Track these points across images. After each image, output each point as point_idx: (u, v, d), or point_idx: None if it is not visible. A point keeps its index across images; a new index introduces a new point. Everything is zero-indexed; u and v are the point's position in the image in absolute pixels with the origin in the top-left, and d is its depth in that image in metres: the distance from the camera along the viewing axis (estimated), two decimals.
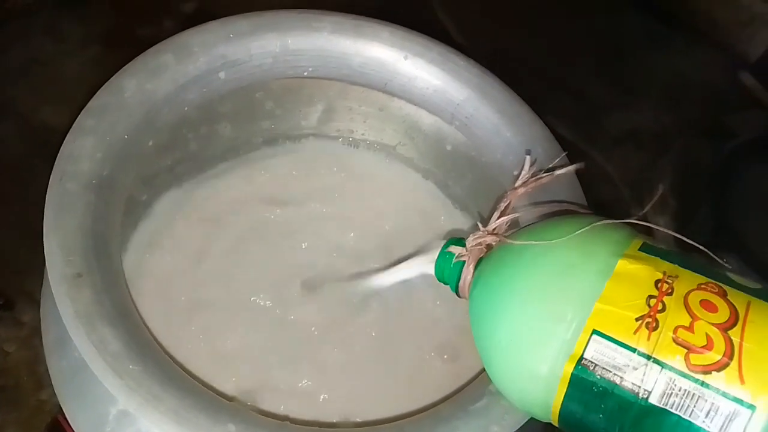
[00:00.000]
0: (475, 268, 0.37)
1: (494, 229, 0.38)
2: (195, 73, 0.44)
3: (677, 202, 0.60)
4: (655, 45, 0.70)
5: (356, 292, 0.45)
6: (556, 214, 0.40)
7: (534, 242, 0.33)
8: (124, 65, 0.42)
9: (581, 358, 0.30)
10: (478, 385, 0.37)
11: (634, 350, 0.29)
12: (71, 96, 0.48)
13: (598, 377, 0.30)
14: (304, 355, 0.42)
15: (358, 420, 0.40)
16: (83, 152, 0.38)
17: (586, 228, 0.33)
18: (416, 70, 0.47)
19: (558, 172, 0.39)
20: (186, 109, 0.44)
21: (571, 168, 0.39)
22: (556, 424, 0.34)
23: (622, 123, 0.67)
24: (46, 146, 0.59)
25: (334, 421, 0.39)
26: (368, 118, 0.51)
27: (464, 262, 0.37)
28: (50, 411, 0.49)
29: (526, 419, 0.35)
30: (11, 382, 0.50)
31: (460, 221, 0.51)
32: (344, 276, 0.46)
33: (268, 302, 0.44)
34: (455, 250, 0.38)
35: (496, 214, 0.38)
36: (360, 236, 0.48)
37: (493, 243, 0.37)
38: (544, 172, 0.40)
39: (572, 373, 0.31)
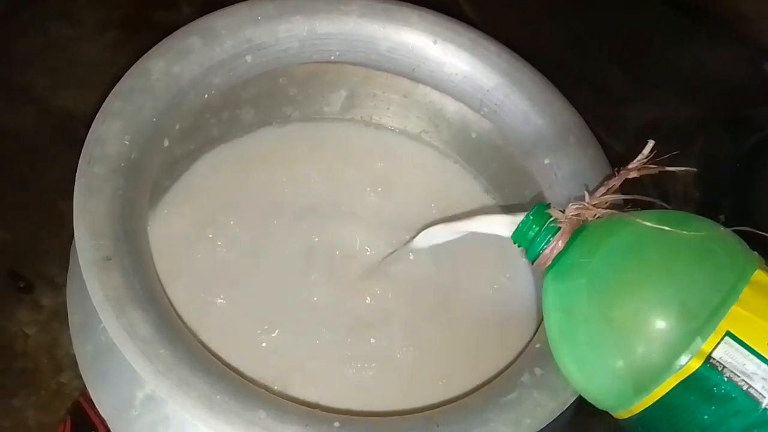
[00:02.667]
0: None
1: (596, 205, 0.36)
2: (221, 56, 0.43)
3: (700, 194, 0.60)
4: (678, 37, 0.70)
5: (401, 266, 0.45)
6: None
7: (671, 228, 0.33)
8: (142, 49, 0.42)
9: (709, 356, 0.30)
10: (509, 376, 0.37)
11: (766, 360, 0.30)
12: (89, 80, 0.48)
13: (725, 379, 0.30)
14: (337, 341, 0.42)
15: (388, 408, 0.39)
16: (111, 135, 0.38)
17: (726, 230, 0.33)
18: (445, 56, 0.46)
19: (670, 168, 0.36)
20: (212, 92, 0.43)
21: (682, 169, 0.37)
22: (627, 416, 0.33)
23: (644, 115, 0.66)
24: (64, 130, 0.59)
25: (366, 409, 0.39)
26: (392, 105, 0.51)
27: (557, 228, 0.36)
28: (70, 394, 0.48)
29: (560, 412, 0.35)
30: (30, 365, 0.50)
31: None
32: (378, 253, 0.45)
33: (297, 284, 0.43)
34: (554, 213, 0.36)
35: (603, 189, 0.37)
36: (392, 220, 0.47)
37: (590, 217, 0.36)
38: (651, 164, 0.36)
39: (696, 370, 0.30)
